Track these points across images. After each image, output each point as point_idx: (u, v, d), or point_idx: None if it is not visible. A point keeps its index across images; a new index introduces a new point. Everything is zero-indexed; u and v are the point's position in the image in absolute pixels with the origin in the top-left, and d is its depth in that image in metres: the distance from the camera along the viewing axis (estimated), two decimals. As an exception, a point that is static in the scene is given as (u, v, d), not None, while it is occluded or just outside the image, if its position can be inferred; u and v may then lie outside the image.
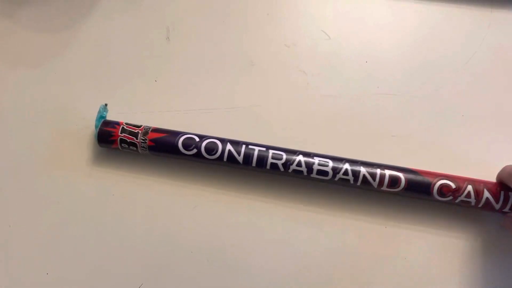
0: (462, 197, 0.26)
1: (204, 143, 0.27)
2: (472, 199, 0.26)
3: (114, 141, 0.28)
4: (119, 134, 0.28)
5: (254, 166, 0.27)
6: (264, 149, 0.27)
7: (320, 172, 0.27)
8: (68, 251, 0.28)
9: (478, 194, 0.26)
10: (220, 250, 0.28)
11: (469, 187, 0.26)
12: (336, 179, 0.27)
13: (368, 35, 0.32)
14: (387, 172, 0.26)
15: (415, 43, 0.32)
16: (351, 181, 0.27)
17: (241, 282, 0.27)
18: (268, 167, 0.27)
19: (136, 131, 0.28)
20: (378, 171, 0.27)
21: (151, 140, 0.28)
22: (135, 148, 0.28)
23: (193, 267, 0.28)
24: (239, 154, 0.27)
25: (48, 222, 0.29)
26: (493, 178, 0.27)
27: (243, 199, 0.29)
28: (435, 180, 0.26)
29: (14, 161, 0.30)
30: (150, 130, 0.28)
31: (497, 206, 0.26)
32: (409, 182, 0.26)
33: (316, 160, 0.27)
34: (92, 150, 0.30)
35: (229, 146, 0.27)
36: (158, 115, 0.30)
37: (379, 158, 0.28)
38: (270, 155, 0.27)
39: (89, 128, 0.30)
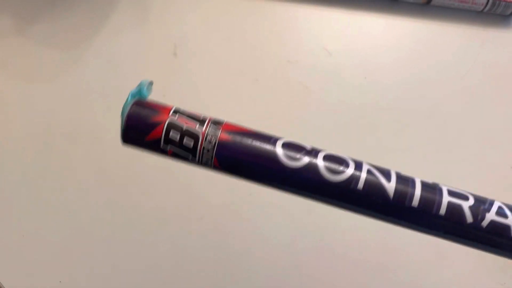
0: None
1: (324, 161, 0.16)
2: None
3: (157, 143, 0.16)
4: (169, 138, 0.16)
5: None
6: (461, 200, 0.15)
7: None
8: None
9: None
10: None
11: None
12: None
13: (367, 52, 0.34)
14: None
15: (412, 60, 0.33)
16: None
17: None
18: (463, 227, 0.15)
19: (197, 136, 0.16)
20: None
21: (218, 156, 0.16)
22: (190, 162, 0.16)
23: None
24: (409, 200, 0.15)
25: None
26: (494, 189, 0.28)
27: None
28: None
29: (28, 175, 0.31)
30: (220, 133, 0.16)
31: None
32: None
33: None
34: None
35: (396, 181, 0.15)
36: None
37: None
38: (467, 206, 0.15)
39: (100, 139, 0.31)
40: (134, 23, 0.34)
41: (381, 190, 0.15)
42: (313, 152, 0.16)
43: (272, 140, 0.16)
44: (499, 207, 0.15)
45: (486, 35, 0.34)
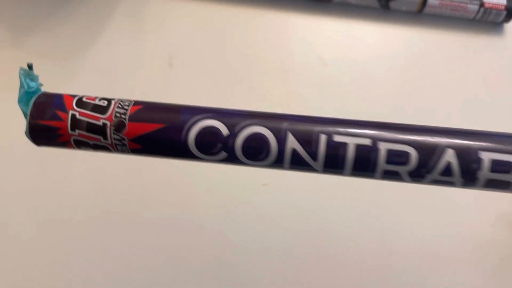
0: None
1: (240, 140, 0.15)
2: None
3: (66, 142, 0.16)
4: (70, 131, 0.15)
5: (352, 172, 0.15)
6: (367, 142, 0.15)
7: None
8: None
9: None
10: None
11: None
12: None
13: (361, 61, 0.34)
14: None
15: (406, 68, 0.34)
16: None
17: None
18: (380, 175, 0.15)
19: (99, 124, 0.15)
20: None
21: (134, 141, 0.15)
22: (107, 150, 0.16)
23: None
24: (314, 156, 0.15)
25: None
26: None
27: None
28: None
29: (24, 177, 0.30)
30: (127, 120, 0.15)
31: None
32: None
33: (489, 156, 0.13)
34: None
35: (292, 143, 0.15)
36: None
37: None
38: (383, 154, 0.14)
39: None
40: (129, 35, 0.34)
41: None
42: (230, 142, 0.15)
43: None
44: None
45: (479, 42, 0.35)
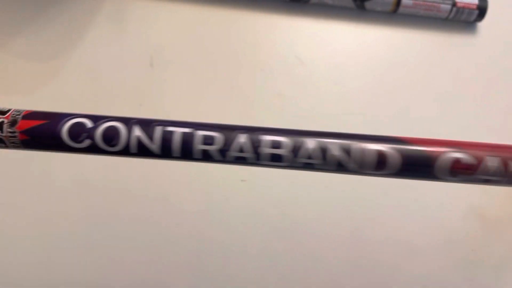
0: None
1: (100, 130, 0.20)
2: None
3: None
4: None
5: (177, 157, 0.20)
6: (189, 130, 0.19)
7: (274, 157, 0.19)
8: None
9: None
10: None
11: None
12: (301, 164, 0.19)
13: (337, 59, 0.35)
14: (368, 146, 0.19)
15: (381, 67, 0.35)
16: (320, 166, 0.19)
17: None
18: (197, 157, 0.19)
19: None
20: (356, 144, 0.19)
21: (23, 133, 0.20)
22: (3, 145, 0.20)
23: None
24: (152, 140, 0.19)
25: None
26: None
27: None
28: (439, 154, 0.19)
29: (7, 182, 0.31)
30: (21, 117, 0.20)
31: None
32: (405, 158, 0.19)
33: (264, 139, 0.19)
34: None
35: (137, 132, 0.20)
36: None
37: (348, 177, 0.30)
38: (197, 139, 0.19)
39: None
40: (112, 36, 0.35)
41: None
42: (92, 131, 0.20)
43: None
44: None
45: (452, 41, 0.36)
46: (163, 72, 0.34)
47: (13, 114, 0.20)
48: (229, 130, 0.20)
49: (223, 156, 0.19)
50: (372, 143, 0.19)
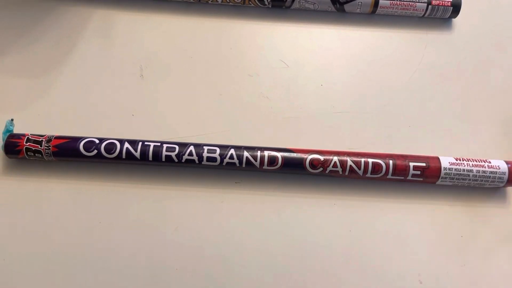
0: (330, 168, 0.31)
1: (103, 144, 0.31)
2: (339, 168, 0.31)
3: (20, 150, 0.31)
4: (24, 143, 0.31)
5: (151, 160, 0.31)
6: (158, 144, 0.31)
7: (209, 159, 0.31)
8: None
9: (342, 163, 0.31)
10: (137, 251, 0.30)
11: (335, 158, 0.31)
12: (224, 163, 0.31)
13: (321, 61, 0.36)
14: (266, 153, 0.31)
15: (363, 66, 0.36)
16: (237, 164, 0.31)
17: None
18: (163, 159, 0.31)
19: (40, 140, 0.31)
20: (259, 153, 0.31)
21: (54, 146, 0.31)
22: (40, 155, 0.31)
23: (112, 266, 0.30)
24: (136, 151, 0.31)
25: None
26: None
27: (149, 189, 0.32)
28: (306, 156, 0.31)
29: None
30: (54, 137, 0.31)
31: (360, 172, 0.31)
32: (285, 160, 0.31)
33: (205, 148, 0.31)
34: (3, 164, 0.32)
35: (126, 145, 0.31)
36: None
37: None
38: (164, 149, 0.31)
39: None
40: (100, 50, 0.36)
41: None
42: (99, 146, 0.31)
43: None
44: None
45: (429, 37, 0.37)
46: (154, 82, 0.35)
47: (49, 136, 0.31)
48: (183, 144, 0.31)
49: (179, 159, 0.31)
50: (270, 151, 0.31)
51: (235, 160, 0.31)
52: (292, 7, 0.37)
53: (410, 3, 0.36)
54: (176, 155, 0.31)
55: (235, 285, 0.30)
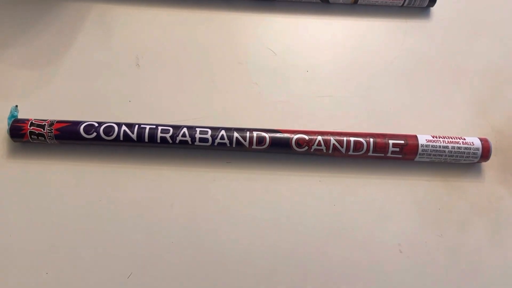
0: (315, 146, 0.33)
1: (102, 127, 0.33)
2: (323, 147, 0.33)
3: (24, 134, 0.32)
4: (28, 127, 0.32)
5: (147, 142, 0.33)
6: (153, 126, 0.33)
7: (201, 139, 0.33)
8: None
9: (326, 142, 0.33)
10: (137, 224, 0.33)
11: (319, 137, 0.33)
12: (216, 144, 0.33)
13: (306, 49, 0.38)
14: (255, 134, 0.33)
15: (346, 53, 0.38)
16: (228, 144, 0.33)
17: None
18: (158, 141, 0.33)
19: (43, 124, 0.33)
20: (248, 133, 0.33)
21: (56, 130, 0.33)
22: (43, 139, 0.33)
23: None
24: (132, 133, 0.32)
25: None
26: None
27: (145, 169, 0.34)
28: (292, 136, 0.33)
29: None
30: (56, 121, 0.33)
31: (343, 150, 0.33)
32: (272, 139, 0.33)
33: (197, 130, 0.33)
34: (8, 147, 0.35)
35: (124, 128, 0.33)
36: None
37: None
38: (159, 131, 0.33)
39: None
40: (99, 41, 0.38)
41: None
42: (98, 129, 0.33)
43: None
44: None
45: (408, 26, 0.39)
46: (150, 71, 0.37)
47: (51, 120, 0.33)
48: (177, 127, 0.33)
49: (173, 140, 0.33)
50: (258, 131, 0.33)
51: (226, 141, 0.33)
52: (278, -1, 0.39)
53: (390, -7, 0.39)
54: (170, 137, 0.33)
55: (226, 256, 0.32)
